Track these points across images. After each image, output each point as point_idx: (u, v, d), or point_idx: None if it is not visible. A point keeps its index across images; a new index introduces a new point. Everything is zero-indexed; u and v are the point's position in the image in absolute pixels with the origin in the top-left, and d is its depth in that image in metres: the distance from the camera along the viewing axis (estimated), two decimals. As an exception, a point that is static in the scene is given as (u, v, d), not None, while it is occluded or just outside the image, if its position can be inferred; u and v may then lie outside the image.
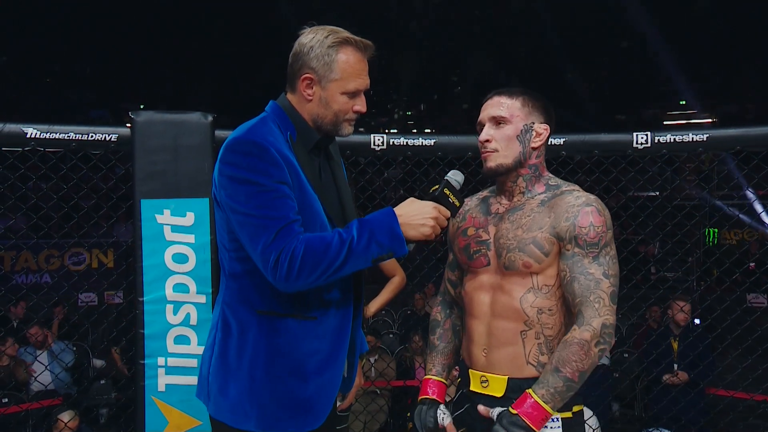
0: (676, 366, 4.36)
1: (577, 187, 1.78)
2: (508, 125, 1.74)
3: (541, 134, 1.76)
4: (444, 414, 1.87)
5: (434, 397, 1.90)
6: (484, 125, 1.78)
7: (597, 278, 1.64)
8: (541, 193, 1.77)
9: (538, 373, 1.69)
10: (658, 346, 4.37)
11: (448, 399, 1.93)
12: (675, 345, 4.50)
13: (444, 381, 1.94)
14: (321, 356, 1.69)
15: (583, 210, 1.67)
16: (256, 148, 1.58)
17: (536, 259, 1.69)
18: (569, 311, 1.72)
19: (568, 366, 1.59)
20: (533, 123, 1.76)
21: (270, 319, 1.66)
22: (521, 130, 1.75)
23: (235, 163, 1.59)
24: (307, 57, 1.66)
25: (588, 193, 1.74)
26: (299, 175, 1.63)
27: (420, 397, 1.92)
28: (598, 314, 1.62)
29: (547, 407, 1.59)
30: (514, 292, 1.72)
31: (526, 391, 1.62)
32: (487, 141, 1.75)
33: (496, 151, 1.75)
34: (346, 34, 1.68)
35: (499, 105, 1.75)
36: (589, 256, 1.65)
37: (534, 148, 1.76)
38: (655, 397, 4.36)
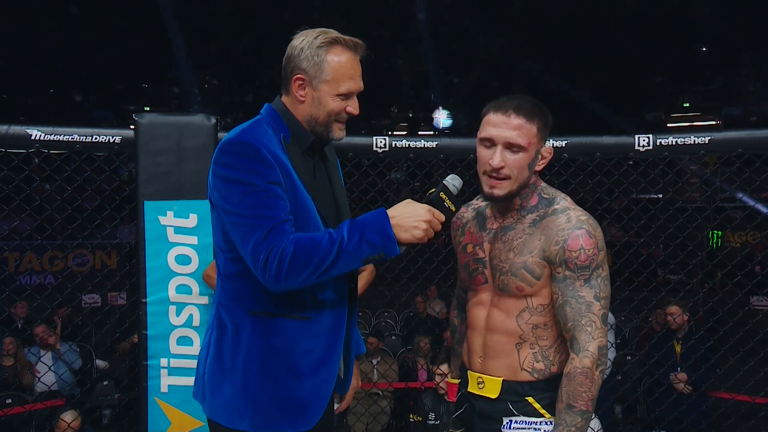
0: (678, 369, 4.36)
1: (569, 203, 1.73)
2: (524, 153, 1.64)
3: (546, 158, 1.71)
4: None
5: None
6: (494, 143, 1.66)
7: (588, 301, 1.63)
8: (534, 207, 1.73)
9: (532, 378, 1.70)
10: (660, 348, 4.37)
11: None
12: (677, 347, 4.50)
13: None
14: (315, 356, 1.69)
15: (573, 233, 1.64)
16: (248, 149, 1.59)
17: (528, 283, 1.69)
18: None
19: (579, 399, 1.59)
20: (542, 147, 1.71)
21: (264, 319, 1.67)
22: (533, 157, 1.68)
23: (227, 163, 1.61)
24: (298, 59, 1.68)
25: (581, 212, 1.69)
26: (292, 176, 1.64)
27: (448, 400, 2.00)
28: (592, 338, 1.61)
29: None
30: (510, 311, 1.72)
31: None
32: (501, 168, 1.64)
33: (508, 178, 1.65)
34: (335, 34, 1.69)
35: (519, 129, 1.63)
36: (580, 279, 1.63)
37: (537, 171, 1.72)
38: (658, 400, 4.35)
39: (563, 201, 1.73)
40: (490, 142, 1.66)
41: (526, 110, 1.65)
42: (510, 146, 1.64)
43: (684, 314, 4.49)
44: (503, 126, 1.64)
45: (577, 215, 1.67)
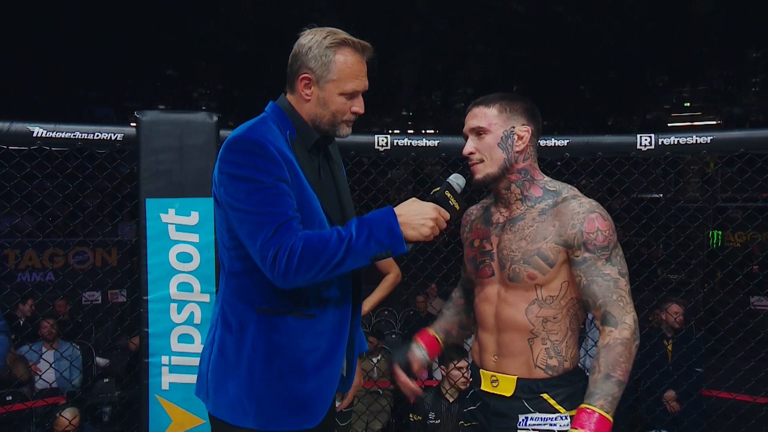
0: (670, 368, 4.36)
1: (577, 192, 1.78)
2: (488, 134, 1.76)
3: (522, 137, 1.77)
4: (419, 348, 1.95)
5: (420, 341, 1.98)
6: (466, 137, 1.81)
7: (614, 278, 1.67)
8: (540, 198, 1.77)
9: (546, 375, 1.72)
10: (657, 348, 4.38)
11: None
12: (668, 347, 4.51)
13: (438, 337, 2.01)
14: (319, 354, 1.70)
15: (588, 216, 1.69)
16: (256, 146, 1.60)
17: (541, 271, 1.71)
18: (575, 318, 1.75)
19: (618, 369, 1.60)
20: (513, 127, 1.76)
21: (269, 316, 1.67)
22: (502, 137, 1.76)
23: (234, 160, 1.61)
24: (306, 57, 1.68)
25: (590, 199, 1.75)
26: (298, 173, 1.65)
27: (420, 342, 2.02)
28: (626, 311, 1.66)
29: (609, 416, 1.56)
30: (519, 304, 1.74)
31: (582, 407, 1.59)
32: (471, 153, 1.78)
33: (481, 161, 1.77)
34: (344, 35, 1.69)
35: (477, 116, 1.77)
36: (601, 258, 1.68)
37: (518, 152, 1.77)
38: (657, 399, 4.35)
39: (571, 191, 1.78)
40: (465, 138, 1.82)
41: (485, 100, 1.80)
42: (475, 132, 1.78)
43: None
44: (468, 119, 1.80)
45: (588, 200, 1.74)
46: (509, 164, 1.76)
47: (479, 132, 1.77)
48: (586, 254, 1.68)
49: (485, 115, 1.76)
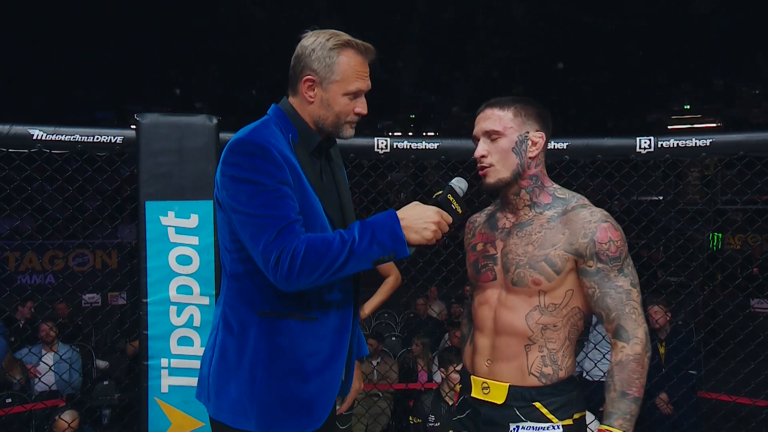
0: (663, 369, 4.36)
1: (586, 201, 1.76)
2: (503, 138, 1.72)
3: (537, 143, 1.74)
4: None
5: None
6: (478, 139, 1.77)
7: (627, 289, 1.67)
8: (549, 205, 1.75)
9: (540, 383, 1.69)
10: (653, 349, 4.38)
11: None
12: (661, 349, 4.50)
13: None
14: (321, 357, 1.70)
15: (600, 226, 1.67)
16: (258, 149, 1.60)
17: (547, 277, 1.69)
18: (574, 327, 1.73)
19: (633, 386, 1.60)
20: (528, 132, 1.73)
21: (271, 319, 1.67)
22: (516, 142, 1.72)
23: (237, 163, 1.61)
24: (309, 59, 1.68)
25: (599, 208, 1.73)
26: (300, 176, 1.65)
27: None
28: (638, 324, 1.65)
29: None
30: (520, 309, 1.72)
31: (602, 428, 1.59)
32: (483, 156, 1.74)
33: (492, 165, 1.73)
34: (347, 36, 1.70)
35: (491, 118, 1.73)
36: (614, 270, 1.66)
37: (531, 158, 1.74)
38: (655, 403, 4.35)
39: (580, 199, 1.77)
40: (476, 140, 1.78)
41: (499, 102, 1.75)
42: (488, 135, 1.74)
43: (666, 314, 4.49)
44: (480, 121, 1.76)
45: (598, 210, 1.72)
46: (522, 170, 1.74)
47: (493, 136, 1.73)
48: (600, 265, 1.66)
49: (500, 118, 1.72)
